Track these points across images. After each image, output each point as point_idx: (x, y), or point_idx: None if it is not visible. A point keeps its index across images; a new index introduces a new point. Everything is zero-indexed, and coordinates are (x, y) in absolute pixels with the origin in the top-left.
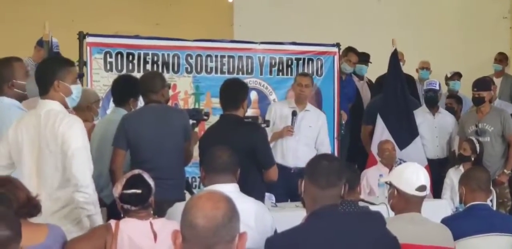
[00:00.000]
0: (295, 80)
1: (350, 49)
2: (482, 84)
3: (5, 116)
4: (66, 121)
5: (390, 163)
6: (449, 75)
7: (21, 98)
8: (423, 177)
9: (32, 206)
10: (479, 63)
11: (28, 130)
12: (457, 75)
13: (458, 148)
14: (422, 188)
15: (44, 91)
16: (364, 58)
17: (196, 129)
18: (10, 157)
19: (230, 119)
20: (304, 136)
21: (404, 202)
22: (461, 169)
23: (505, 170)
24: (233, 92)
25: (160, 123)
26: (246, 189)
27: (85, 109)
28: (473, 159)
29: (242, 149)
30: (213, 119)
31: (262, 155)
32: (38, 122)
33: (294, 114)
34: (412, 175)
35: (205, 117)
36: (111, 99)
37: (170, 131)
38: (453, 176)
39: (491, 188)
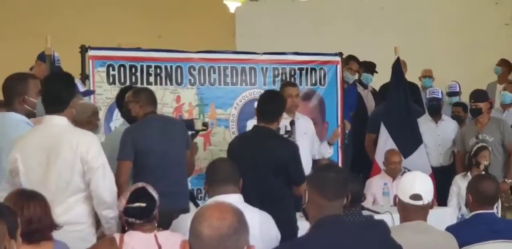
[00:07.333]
0: (283, 91)
1: (351, 57)
2: (478, 95)
3: (13, 132)
4: (85, 140)
5: (395, 174)
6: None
7: (29, 115)
8: (418, 186)
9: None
10: (482, 70)
11: (37, 146)
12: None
13: (470, 159)
14: (416, 196)
15: (60, 108)
16: (370, 68)
17: (196, 140)
18: (18, 173)
19: (263, 132)
20: (303, 144)
21: (402, 210)
22: (469, 175)
23: (506, 180)
24: (272, 106)
25: (165, 133)
26: (275, 203)
27: (85, 124)
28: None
29: (272, 164)
30: (218, 130)
31: (294, 171)
32: (51, 139)
33: (292, 123)
34: (407, 183)
35: (204, 127)
36: (115, 112)
37: (175, 141)
38: (461, 183)
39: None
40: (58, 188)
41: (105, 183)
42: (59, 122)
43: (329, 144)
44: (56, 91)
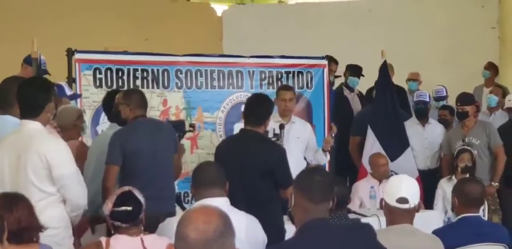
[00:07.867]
0: (278, 94)
1: (330, 59)
2: (465, 98)
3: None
4: (52, 146)
5: (383, 177)
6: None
7: None
8: (405, 189)
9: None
10: (468, 74)
11: (9, 151)
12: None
13: (455, 162)
14: (402, 200)
15: (35, 113)
16: (356, 71)
17: (183, 143)
18: None
19: (250, 135)
20: (293, 149)
21: (388, 213)
22: (454, 179)
23: (492, 183)
24: (260, 109)
25: (154, 136)
26: (263, 206)
27: (71, 128)
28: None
29: (259, 168)
30: (205, 133)
31: (281, 175)
32: (22, 142)
33: (281, 127)
34: (393, 187)
35: (191, 128)
36: (102, 115)
37: (163, 144)
38: (446, 186)
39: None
40: (27, 192)
41: (77, 192)
42: (33, 127)
43: (324, 150)
44: (30, 96)
